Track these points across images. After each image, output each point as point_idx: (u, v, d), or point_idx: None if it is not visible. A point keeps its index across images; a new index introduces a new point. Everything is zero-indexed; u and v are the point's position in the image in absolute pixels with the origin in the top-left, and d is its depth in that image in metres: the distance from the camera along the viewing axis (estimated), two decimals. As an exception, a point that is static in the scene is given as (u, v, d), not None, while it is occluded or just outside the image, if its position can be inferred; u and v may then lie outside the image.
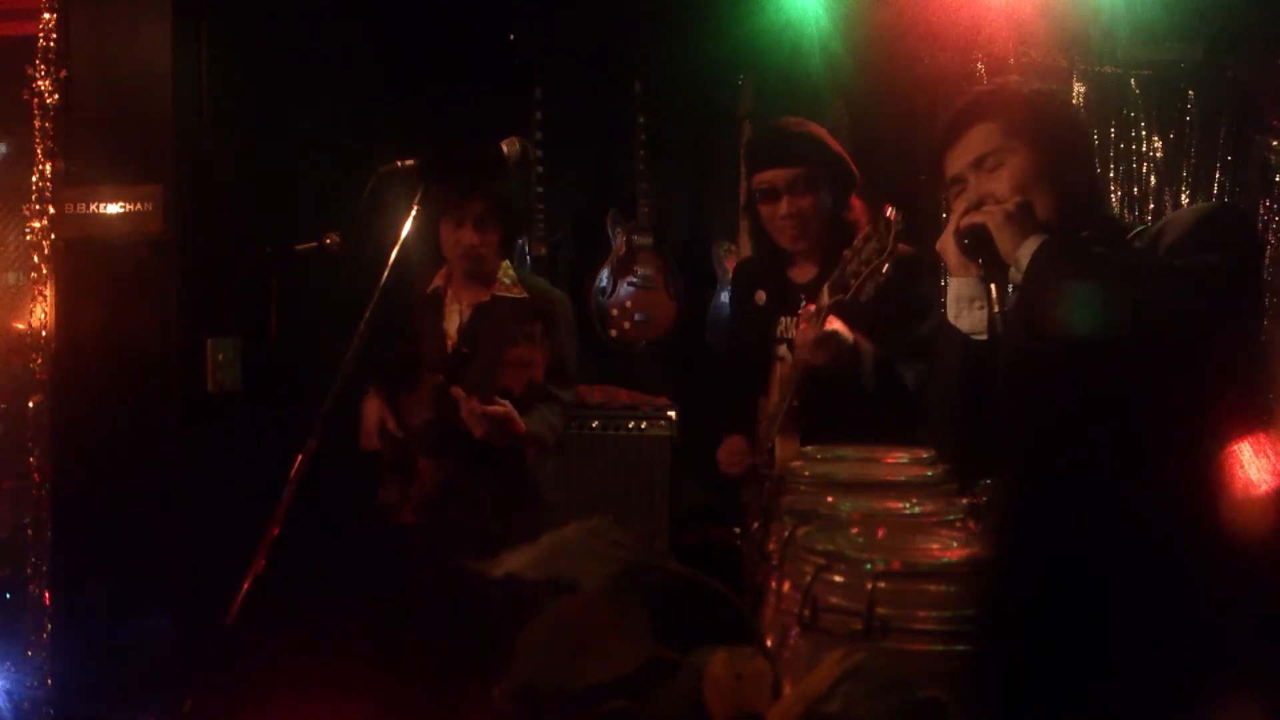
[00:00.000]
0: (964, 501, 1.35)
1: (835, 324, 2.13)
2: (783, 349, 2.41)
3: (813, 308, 2.15)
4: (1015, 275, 1.50)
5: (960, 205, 1.62)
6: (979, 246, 1.57)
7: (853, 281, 1.97)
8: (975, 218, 1.56)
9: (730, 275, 4.01)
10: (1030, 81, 1.72)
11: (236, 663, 2.39)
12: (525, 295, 2.64)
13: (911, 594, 1.02)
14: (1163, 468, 1.12)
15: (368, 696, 2.67)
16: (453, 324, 2.65)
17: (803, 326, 2.18)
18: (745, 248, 3.97)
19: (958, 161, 1.65)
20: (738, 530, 2.52)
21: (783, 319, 2.46)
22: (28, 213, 2.83)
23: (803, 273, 2.45)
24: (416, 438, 2.58)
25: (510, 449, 2.52)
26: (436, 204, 2.53)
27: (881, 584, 1.02)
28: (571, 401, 2.69)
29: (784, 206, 2.35)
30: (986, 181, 1.60)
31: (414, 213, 2.07)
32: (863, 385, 2.21)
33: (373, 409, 2.61)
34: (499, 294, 2.63)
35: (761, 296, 2.53)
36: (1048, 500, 1.12)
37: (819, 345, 2.12)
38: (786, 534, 1.23)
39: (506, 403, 2.42)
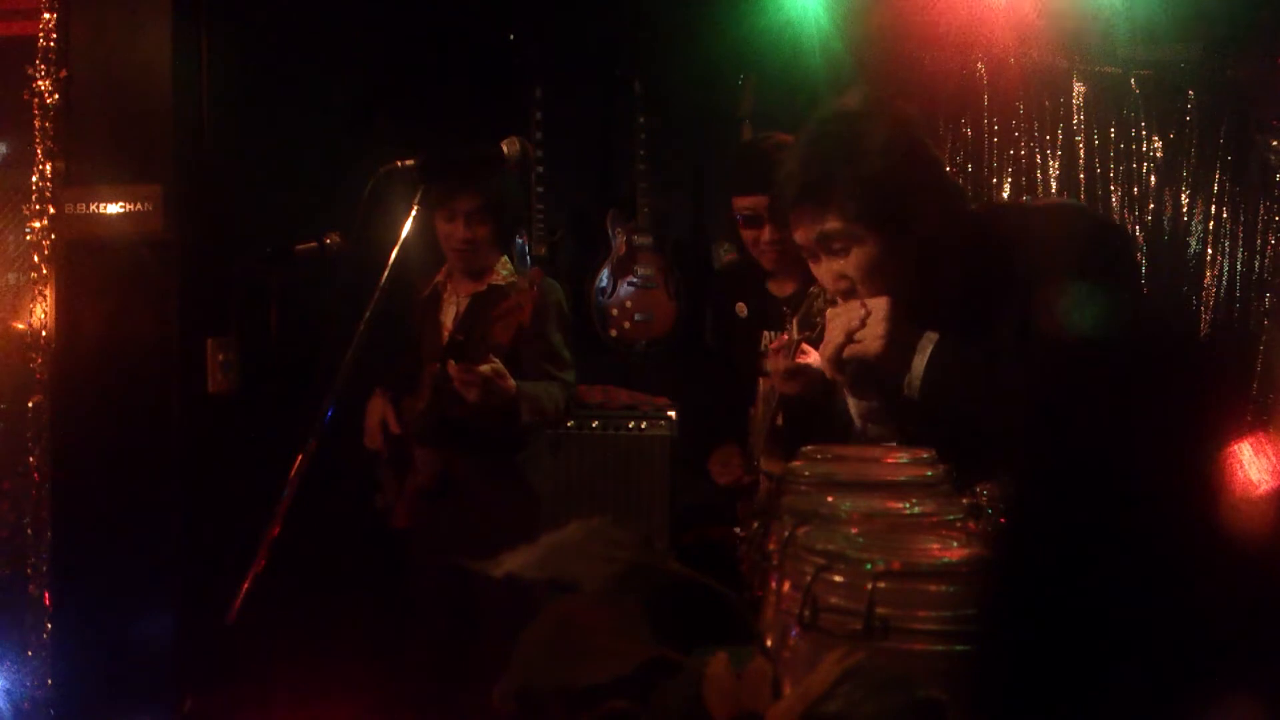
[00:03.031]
0: (964, 501, 1.35)
1: (809, 356, 2.12)
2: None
3: (785, 338, 2.15)
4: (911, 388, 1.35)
5: (833, 324, 1.41)
6: (868, 378, 1.40)
7: (818, 320, 1.96)
8: (853, 350, 1.38)
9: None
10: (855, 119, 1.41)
11: (236, 663, 2.39)
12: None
13: (911, 594, 1.02)
14: (1161, 468, 1.11)
15: (368, 696, 2.67)
16: (449, 315, 2.69)
17: (774, 359, 2.17)
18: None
19: (802, 232, 1.45)
20: (738, 530, 2.51)
21: (765, 332, 2.45)
22: (28, 213, 2.83)
23: (783, 287, 2.44)
24: (413, 426, 2.59)
25: (503, 437, 2.52)
26: (434, 201, 2.55)
27: (881, 584, 1.02)
28: (573, 384, 2.70)
29: (767, 234, 2.33)
30: (836, 263, 1.42)
31: (414, 213, 2.07)
32: (840, 416, 2.20)
33: (375, 408, 2.62)
34: (495, 283, 2.67)
35: (742, 309, 2.53)
36: (1047, 500, 1.12)
37: (789, 378, 2.11)
38: (786, 534, 1.23)
39: (496, 360, 2.42)
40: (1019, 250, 1.33)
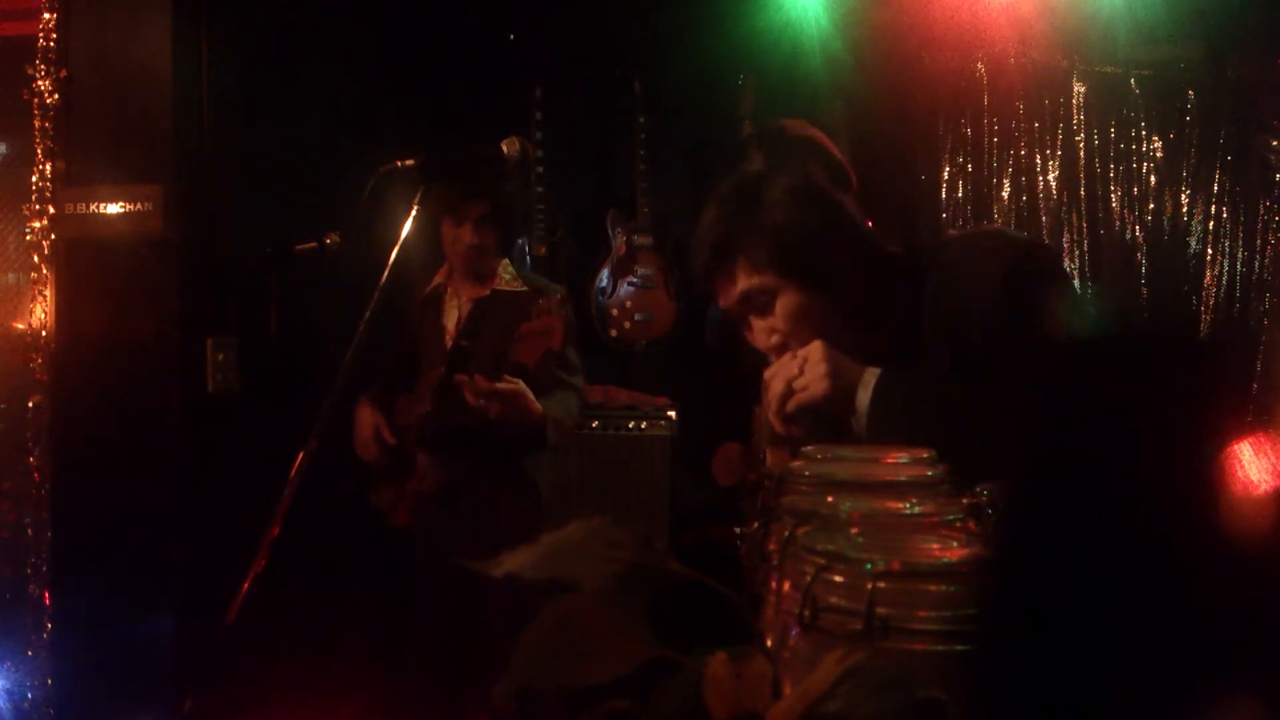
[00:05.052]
0: (964, 501, 1.34)
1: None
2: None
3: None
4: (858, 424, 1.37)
5: (773, 382, 1.40)
6: (817, 421, 1.39)
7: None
8: (798, 400, 1.37)
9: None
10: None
11: (236, 663, 2.39)
12: (525, 289, 2.66)
13: (911, 594, 1.02)
14: (1161, 468, 1.11)
15: (368, 696, 2.67)
16: (451, 319, 2.67)
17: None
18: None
19: (724, 296, 1.47)
20: (738, 530, 2.51)
21: None
22: (28, 213, 2.83)
23: None
24: (415, 432, 2.58)
25: (507, 444, 2.52)
26: (437, 203, 2.55)
27: (881, 584, 1.02)
28: (582, 388, 2.69)
29: None
30: (763, 319, 1.44)
31: (414, 213, 2.07)
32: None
33: (366, 417, 2.60)
34: (499, 288, 2.66)
35: None
36: (1047, 500, 1.12)
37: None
38: (786, 534, 1.23)
39: (518, 380, 2.41)
40: (947, 284, 1.36)
